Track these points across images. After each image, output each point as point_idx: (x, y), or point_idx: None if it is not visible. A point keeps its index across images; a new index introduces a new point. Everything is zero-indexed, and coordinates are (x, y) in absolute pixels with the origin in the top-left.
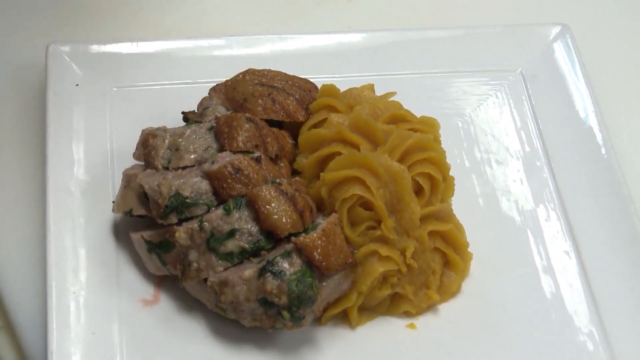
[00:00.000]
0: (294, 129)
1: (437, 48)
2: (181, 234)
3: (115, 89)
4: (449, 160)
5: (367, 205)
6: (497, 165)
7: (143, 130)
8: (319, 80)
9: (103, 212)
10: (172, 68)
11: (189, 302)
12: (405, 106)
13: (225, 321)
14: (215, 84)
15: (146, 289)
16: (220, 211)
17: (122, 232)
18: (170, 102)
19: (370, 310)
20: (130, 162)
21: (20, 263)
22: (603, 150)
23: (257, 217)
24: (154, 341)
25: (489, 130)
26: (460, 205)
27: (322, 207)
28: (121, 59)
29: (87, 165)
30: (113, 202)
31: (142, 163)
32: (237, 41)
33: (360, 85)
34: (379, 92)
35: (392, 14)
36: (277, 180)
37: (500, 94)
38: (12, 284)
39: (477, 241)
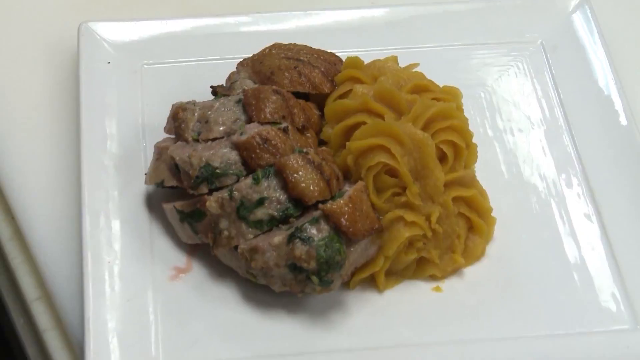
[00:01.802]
0: (320, 100)
1: (458, 21)
2: (212, 203)
3: (145, 66)
4: (471, 129)
5: (392, 173)
6: (519, 133)
7: (173, 105)
8: (344, 54)
9: (136, 185)
10: (200, 45)
11: (220, 269)
12: (428, 78)
13: (256, 287)
14: (243, 59)
15: (179, 257)
16: (249, 180)
17: (154, 203)
18: (199, 77)
19: (397, 274)
20: (161, 135)
21: (56, 235)
22: (622, 118)
23: (285, 185)
24: (187, 307)
25: (510, 99)
26: (484, 172)
27: (348, 175)
28: (151, 37)
29: (119, 139)
30: (145, 174)
31: (173, 136)
32: (263, 18)
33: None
34: (402, 64)
35: None
36: (304, 150)
37: (521, 64)
38: (50, 256)
39: (501, 206)
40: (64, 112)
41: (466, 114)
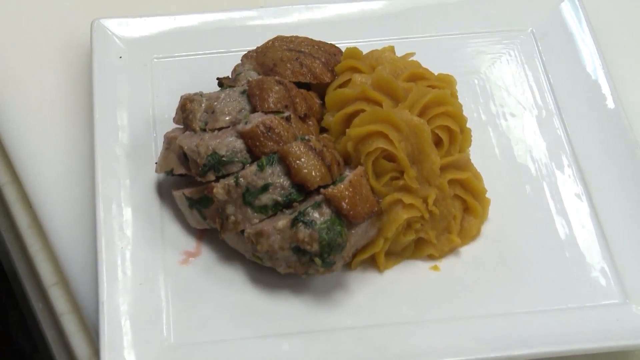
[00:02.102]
0: (321, 89)
1: (452, 11)
2: (219, 189)
3: (155, 59)
4: (466, 114)
5: (390, 157)
6: (511, 117)
7: (181, 96)
8: (343, 45)
9: (147, 173)
10: (207, 39)
11: (228, 253)
12: (424, 66)
13: (262, 269)
14: (247, 51)
15: (189, 242)
16: (254, 167)
17: (165, 190)
18: (206, 69)
19: (396, 254)
20: (171, 126)
21: (71, 222)
22: (610, 101)
23: (289, 171)
24: (196, 290)
25: (503, 86)
26: (478, 155)
27: (348, 161)
28: (160, 32)
29: (131, 130)
30: (156, 163)
31: (182, 126)
32: (267, 12)
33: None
34: (399, 53)
35: None
36: (306, 137)
37: (512, 52)
38: (65, 242)
39: (495, 188)
40: (77, 105)
41: (461, 100)
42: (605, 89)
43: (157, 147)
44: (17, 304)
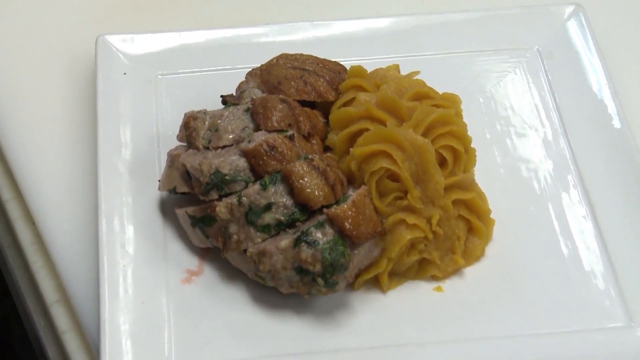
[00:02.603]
0: (325, 108)
1: (458, 30)
2: (221, 208)
3: (160, 76)
4: (471, 133)
5: (394, 177)
6: (516, 137)
7: (185, 114)
8: (348, 62)
9: (150, 190)
10: (212, 55)
11: (230, 272)
12: (429, 85)
13: (264, 288)
14: (252, 69)
15: (191, 261)
16: (257, 186)
17: (168, 208)
18: (211, 86)
19: (399, 275)
20: (175, 143)
21: (74, 239)
22: (616, 121)
23: (292, 191)
24: (198, 309)
25: (508, 105)
26: (483, 175)
27: (352, 180)
28: (165, 49)
29: (134, 147)
30: (159, 180)
31: (185, 144)
32: (272, 29)
33: (386, 66)
34: (403, 72)
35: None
36: (310, 156)
37: (518, 70)
38: (67, 259)
39: (499, 208)
40: (81, 120)
41: (466, 119)
42: (612, 109)
43: (160, 164)
44: (20, 319)
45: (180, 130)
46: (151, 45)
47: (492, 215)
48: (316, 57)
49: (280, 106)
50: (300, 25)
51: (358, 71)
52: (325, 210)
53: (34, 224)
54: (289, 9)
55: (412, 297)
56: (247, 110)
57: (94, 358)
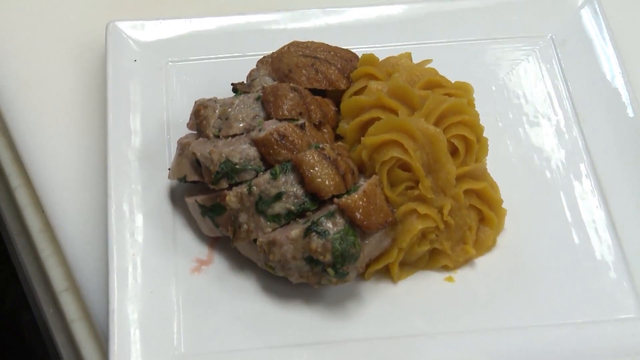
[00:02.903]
0: (336, 96)
1: (471, 17)
2: (231, 197)
3: (170, 63)
4: (483, 122)
5: (406, 167)
6: (529, 126)
7: (195, 102)
8: (360, 50)
9: (160, 179)
10: (223, 42)
11: (240, 261)
12: (441, 73)
13: (274, 278)
14: (263, 56)
15: (201, 250)
16: (267, 176)
17: (177, 196)
18: (221, 74)
19: (410, 265)
20: (185, 131)
21: (83, 228)
22: (630, 110)
23: (302, 180)
24: (208, 299)
25: (521, 93)
26: (495, 165)
27: (363, 170)
28: (175, 35)
29: (144, 135)
30: (169, 169)
31: (195, 132)
32: (283, 16)
33: (398, 54)
34: (416, 60)
35: None
36: (320, 145)
37: (531, 58)
38: (76, 248)
39: (511, 198)
40: (91, 108)
41: (478, 108)
42: (625, 98)
43: (170, 152)
44: (29, 306)
45: (190, 118)
46: (162, 32)
47: (504, 205)
48: (328, 45)
49: (291, 95)
50: (312, 12)
51: (370, 59)
52: (335, 200)
53: (43, 211)
54: None
55: (423, 287)
56: (258, 98)
57: (102, 347)
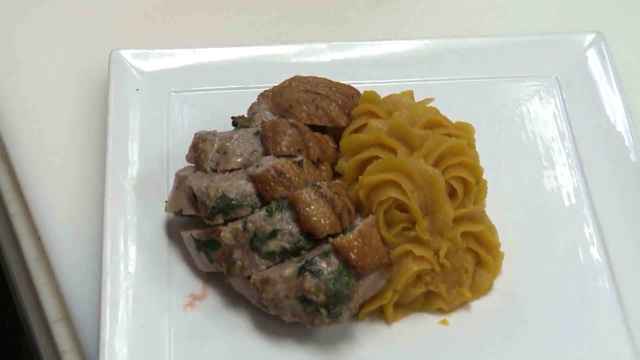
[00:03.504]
0: (336, 133)
1: (476, 56)
2: (226, 234)
3: (172, 93)
4: (484, 163)
5: (403, 208)
6: (530, 168)
7: (195, 134)
8: (363, 86)
9: (157, 211)
10: (226, 74)
11: (234, 298)
12: (445, 111)
13: (267, 316)
14: (265, 90)
15: (195, 285)
16: (263, 212)
17: (174, 229)
18: (224, 105)
19: (405, 307)
20: (184, 163)
21: (78, 258)
22: (632, 154)
23: (298, 218)
24: (200, 334)
25: (524, 134)
26: (494, 207)
27: (360, 209)
28: (179, 65)
29: (143, 165)
30: (166, 201)
31: (194, 165)
32: (287, 49)
33: (402, 90)
34: (418, 97)
35: (435, 23)
36: (317, 183)
37: (535, 99)
38: (71, 278)
39: (510, 241)
40: (91, 136)
41: (480, 148)
42: (628, 142)
43: (168, 184)
44: (24, 334)
45: (189, 151)
46: (165, 62)
47: (501, 249)
48: (329, 81)
49: (290, 131)
50: (316, 47)
51: (371, 97)
52: (330, 239)
53: (39, 239)
54: (306, 28)
55: (417, 329)
56: (257, 133)
57: None
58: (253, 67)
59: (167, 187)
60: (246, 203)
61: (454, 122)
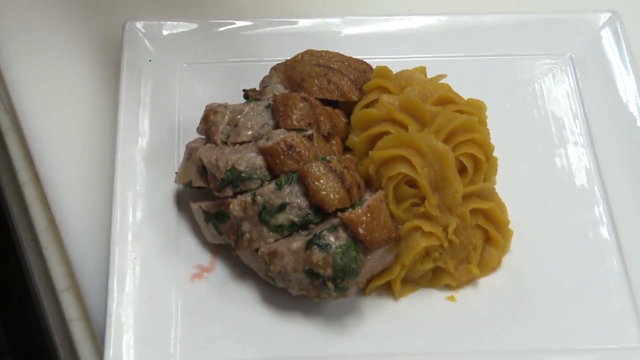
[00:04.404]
0: (348, 107)
1: (489, 33)
2: (235, 206)
3: (185, 65)
4: (495, 140)
5: (412, 183)
6: (541, 146)
7: (206, 106)
8: (376, 61)
9: (166, 182)
10: (239, 46)
11: (242, 270)
12: (456, 88)
13: (274, 289)
14: (277, 63)
15: (203, 256)
16: (272, 186)
17: (183, 201)
18: (235, 78)
19: (412, 282)
20: (195, 134)
21: (87, 227)
22: None
23: (307, 192)
24: (207, 306)
25: (536, 112)
26: (504, 184)
27: (369, 184)
28: (192, 37)
29: (154, 137)
30: (176, 173)
31: (204, 137)
32: (301, 23)
33: (414, 66)
34: (431, 73)
35: None
36: (327, 158)
37: (548, 77)
38: (79, 247)
39: (519, 219)
40: (103, 106)
41: (491, 125)
42: None
43: (179, 155)
44: (33, 303)
45: (200, 123)
46: (178, 34)
47: (510, 226)
48: (342, 55)
49: (301, 105)
50: (330, 21)
51: (383, 72)
52: (339, 213)
53: (49, 208)
54: (321, 2)
55: (424, 305)
56: (268, 106)
57: (99, 349)
58: (266, 40)
59: (177, 158)
60: (256, 176)
61: (465, 99)
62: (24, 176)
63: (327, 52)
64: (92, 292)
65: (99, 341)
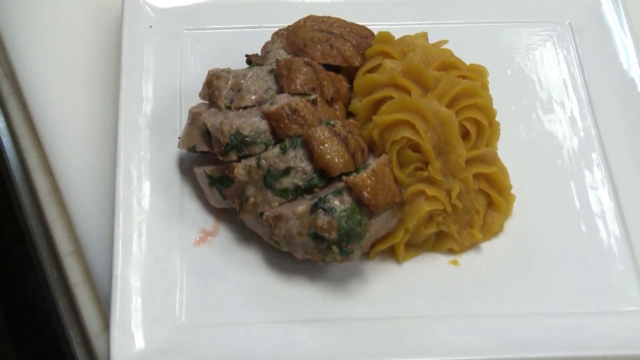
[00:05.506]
0: (350, 73)
1: (490, 0)
2: (240, 170)
3: (186, 31)
4: (497, 106)
5: (416, 148)
6: (542, 112)
7: (209, 71)
8: (377, 27)
9: (169, 147)
10: (240, 12)
11: (246, 234)
12: (457, 54)
13: (279, 253)
14: (279, 28)
15: (207, 221)
16: (277, 150)
17: (186, 165)
18: (237, 44)
19: (416, 246)
20: (198, 100)
21: (90, 192)
22: None
23: (311, 156)
24: (212, 270)
25: (536, 79)
26: (506, 150)
27: (373, 148)
28: (193, 3)
29: (156, 102)
30: (179, 137)
31: (207, 102)
32: None
33: (415, 33)
34: (432, 40)
35: None
36: (332, 122)
37: (548, 44)
38: (83, 212)
39: (521, 184)
40: (105, 72)
41: (493, 92)
42: None
43: (181, 121)
44: (34, 267)
45: (203, 88)
46: None
47: (513, 191)
48: (344, 21)
49: (305, 69)
50: None
51: (385, 37)
52: (344, 177)
53: (52, 174)
54: None
55: (427, 269)
56: (271, 71)
57: (104, 312)
58: (268, 6)
59: (180, 123)
60: (260, 140)
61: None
62: (25, 142)
63: (329, 17)
64: (96, 257)
65: (103, 305)
